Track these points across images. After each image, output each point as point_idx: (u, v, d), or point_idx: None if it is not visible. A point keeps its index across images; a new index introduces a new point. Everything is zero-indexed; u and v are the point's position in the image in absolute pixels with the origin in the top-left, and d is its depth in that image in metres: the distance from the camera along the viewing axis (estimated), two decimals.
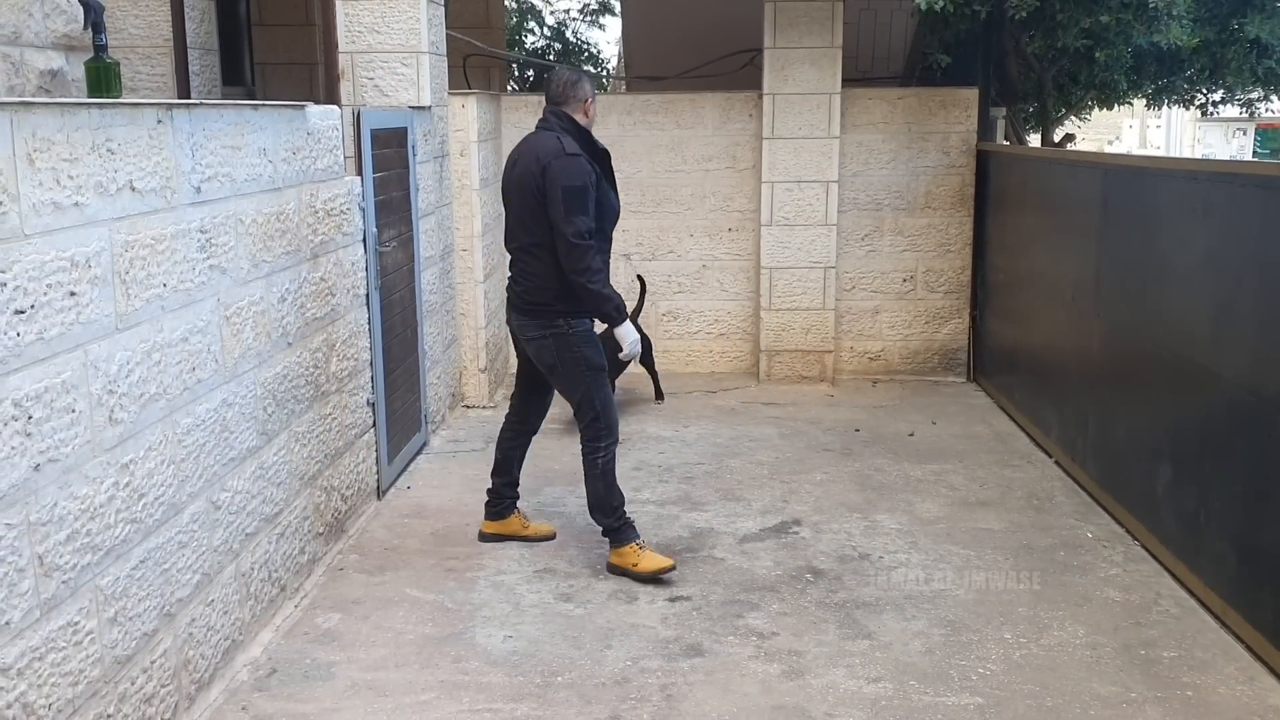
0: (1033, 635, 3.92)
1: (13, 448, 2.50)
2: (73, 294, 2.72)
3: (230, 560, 3.64)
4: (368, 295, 5.09)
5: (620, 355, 4.53)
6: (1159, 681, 3.59)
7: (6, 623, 2.48)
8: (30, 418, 2.56)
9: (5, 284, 2.46)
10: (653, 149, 7.73)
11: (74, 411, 2.73)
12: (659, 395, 7.15)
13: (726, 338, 7.93)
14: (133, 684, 3.02)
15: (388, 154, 5.39)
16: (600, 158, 4.42)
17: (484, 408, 7.01)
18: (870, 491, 5.52)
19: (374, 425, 5.22)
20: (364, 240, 5.05)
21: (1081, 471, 5.50)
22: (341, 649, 3.81)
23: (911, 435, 6.53)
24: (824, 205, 7.51)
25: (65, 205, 2.68)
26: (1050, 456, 5.98)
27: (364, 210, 5.03)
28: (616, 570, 4.44)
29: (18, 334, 2.51)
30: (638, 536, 4.49)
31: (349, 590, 4.30)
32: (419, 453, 6.01)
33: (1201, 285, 4.25)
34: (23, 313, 2.52)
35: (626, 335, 4.39)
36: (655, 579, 4.35)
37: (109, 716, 2.90)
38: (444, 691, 3.53)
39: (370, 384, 5.16)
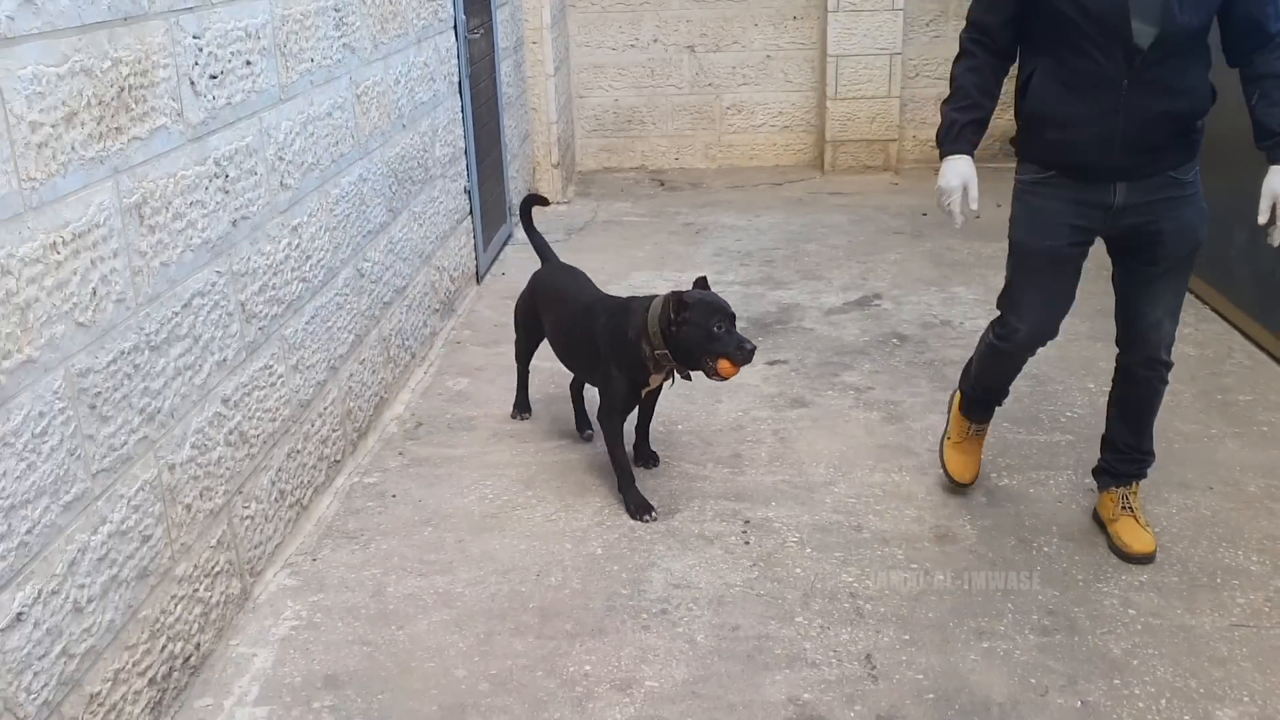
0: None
1: (217, 203, 2.74)
2: (249, 63, 2.91)
3: (373, 325, 3.93)
4: (460, 83, 5.23)
5: (941, 202, 3.00)
6: (1237, 420, 3.88)
7: (223, 360, 2.79)
8: (227, 176, 2.79)
9: (202, 48, 2.65)
10: None
11: (256, 174, 2.97)
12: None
13: (791, 130, 8.01)
14: (312, 425, 3.36)
15: None
16: None
17: (558, 203, 7.20)
18: (944, 268, 5.74)
19: (470, 212, 5.45)
20: (455, 27, 5.15)
21: None
22: (476, 405, 4.15)
23: (978, 217, 6.65)
24: None
25: None
26: None
27: None
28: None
29: (213, 97, 2.72)
30: (980, 417, 3.42)
31: (470, 359, 4.62)
32: (506, 243, 6.25)
33: None
34: (216, 78, 2.73)
35: (940, 175, 2.98)
36: (947, 475, 3.41)
37: (298, 451, 3.25)
38: (575, 438, 3.87)
39: (466, 172, 5.35)
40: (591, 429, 3.86)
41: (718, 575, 3.04)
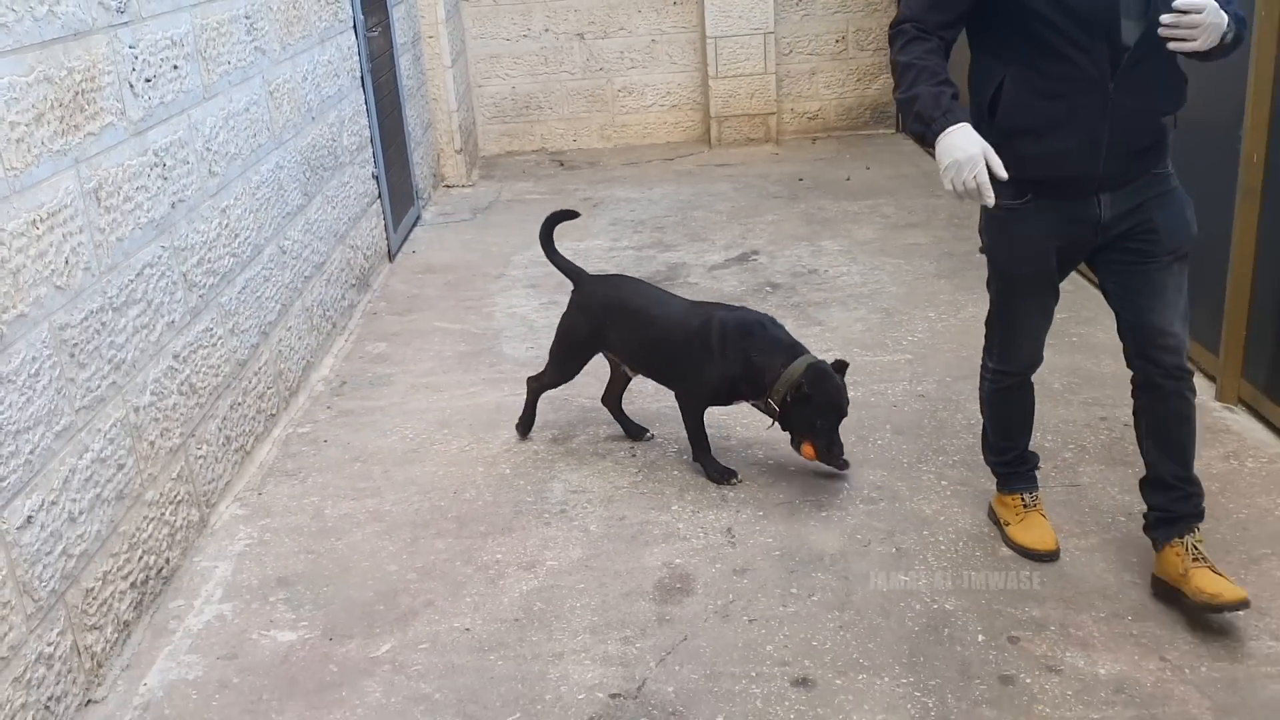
0: (951, 312, 4.85)
1: (158, 188, 3.21)
2: (176, 68, 3.38)
3: (297, 297, 4.41)
4: (362, 77, 5.70)
5: (948, 183, 2.50)
6: (1053, 333, 4.50)
7: (171, 322, 3.26)
8: (164, 165, 3.27)
9: (137, 56, 3.12)
10: None
11: (188, 164, 3.44)
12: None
13: (679, 108, 8.59)
14: (250, 382, 3.84)
15: None
16: None
17: (463, 186, 7.70)
18: (815, 225, 6.37)
19: (379, 195, 5.93)
20: (355, 26, 5.62)
21: None
22: (395, 365, 4.66)
23: (848, 179, 7.35)
24: None
25: None
26: None
27: None
28: (993, 518, 3.22)
29: (149, 98, 3.19)
30: (1026, 486, 3.11)
31: (386, 327, 5.12)
32: (415, 225, 6.73)
33: None
34: (150, 80, 3.20)
35: (942, 154, 2.49)
36: (1023, 551, 3.04)
37: (239, 403, 3.73)
38: (486, 385, 4.41)
39: (373, 159, 5.83)
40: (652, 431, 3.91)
41: (609, 481, 3.60)
